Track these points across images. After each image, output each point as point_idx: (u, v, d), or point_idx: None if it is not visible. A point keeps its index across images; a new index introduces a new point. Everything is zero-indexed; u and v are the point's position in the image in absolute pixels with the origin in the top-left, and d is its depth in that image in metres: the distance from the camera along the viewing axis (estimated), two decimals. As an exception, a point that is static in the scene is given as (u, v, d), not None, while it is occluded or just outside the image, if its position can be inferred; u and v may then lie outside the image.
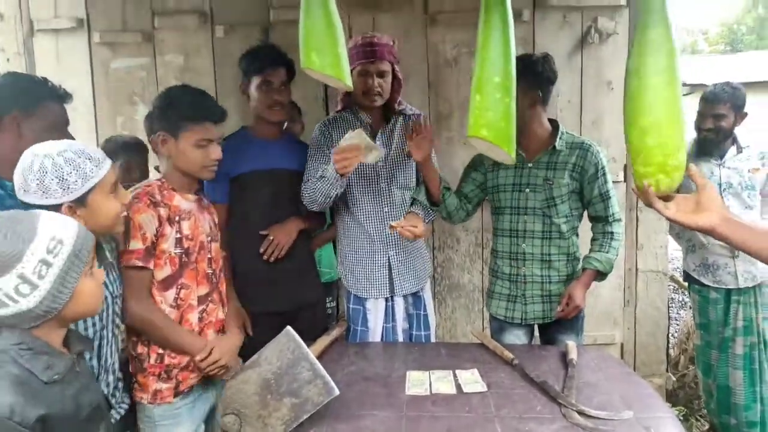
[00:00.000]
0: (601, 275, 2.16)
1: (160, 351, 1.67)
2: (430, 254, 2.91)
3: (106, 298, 1.45)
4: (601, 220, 2.18)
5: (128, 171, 2.38)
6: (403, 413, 1.63)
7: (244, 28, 2.93)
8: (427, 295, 2.34)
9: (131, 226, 1.60)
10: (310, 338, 2.01)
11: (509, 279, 2.24)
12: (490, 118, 1.60)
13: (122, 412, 1.56)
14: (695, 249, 2.68)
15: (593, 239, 2.21)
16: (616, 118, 2.85)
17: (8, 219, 1.07)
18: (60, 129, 1.63)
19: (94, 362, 1.46)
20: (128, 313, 1.60)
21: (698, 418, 3.14)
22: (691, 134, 2.73)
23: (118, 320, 1.55)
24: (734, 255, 2.55)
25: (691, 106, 2.74)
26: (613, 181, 2.15)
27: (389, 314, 2.24)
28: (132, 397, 1.67)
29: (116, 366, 1.55)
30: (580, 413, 1.58)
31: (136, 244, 1.60)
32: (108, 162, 1.40)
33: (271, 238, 2.15)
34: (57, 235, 1.08)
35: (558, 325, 2.22)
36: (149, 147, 2.26)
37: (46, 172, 1.28)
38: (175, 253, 1.67)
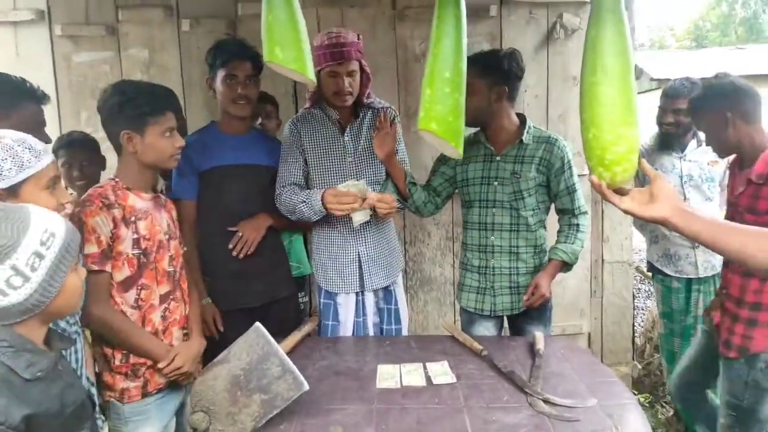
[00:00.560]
0: (566, 266, 2.21)
1: (126, 351, 1.66)
2: (401, 248, 2.93)
3: None
4: (567, 213, 2.23)
5: (68, 169, 2.36)
6: (374, 406, 1.64)
7: (211, 21, 2.89)
8: (399, 290, 2.35)
9: (84, 230, 1.57)
10: (282, 333, 2.01)
11: (478, 271, 2.27)
12: (439, 112, 1.62)
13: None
14: (658, 240, 2.75)
15: (559, 231, 2.25)
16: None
17: (8, 208, 1.05)
18: (36, 129, 1.61)
19: (73, 363, 1.44)
20: (88, 317, 1.58)
21: (663, 404, 3.23)
22: (652, 128, 2.80)
23: (67, 325, 1.51)
24: (694, 245, 2.62)
25: (655, 101, 2.82)
26: (579, 175, 2.19)
27: (360, 309, 2.25)
28: (101, 396, 1.65)
29: (86, 375, 1.53)
30: (546, 401, 1.62)
31: (91, 248, 1.58)
32: (49, 156, 1.36)
33: (240, 234, 2.14)
34: (50, 227, 1.06)
35: (526, 317, 2.26)
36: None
37: None
38: (132, 254, 1.65)
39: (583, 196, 2.23)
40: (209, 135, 2.20)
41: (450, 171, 2.30)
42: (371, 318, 2.27)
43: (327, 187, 2.17)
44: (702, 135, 2.70)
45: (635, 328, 3.47)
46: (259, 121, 2.59)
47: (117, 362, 1.65)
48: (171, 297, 1.76)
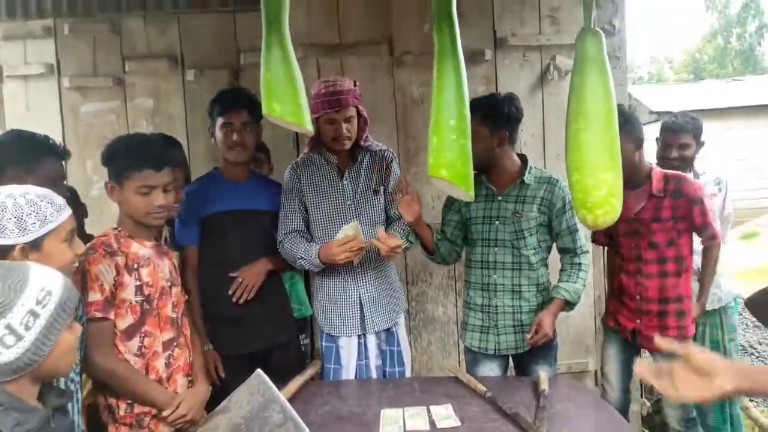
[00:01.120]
0: (569, 305, 2.22)
1: (129, 401, 1.65)
2: (403, 288, 2.94)
3: None
4: (569, 252, 2.25)
5: None
6: (377, 452, 1.63)
7: (214, 71, 2.98)
8: (401, 331, 2.35)
9: (88, 278, 1.59)
10: (284, 378, 2.00)
11: (481, 310, 2.28)
12: (447, 159, 1.67)
13: None
14: None
15: (561, 270, 2.27)
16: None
17: (9, 265, 1.07)
18: (57, 184, 1.67)
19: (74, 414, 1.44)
20: (92, 366, 1.58)
21: (675, 442, 3.16)
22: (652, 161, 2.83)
23: (73, 374, 1.51)
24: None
25: (655, 133, 2.86)
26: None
27: (362, 351, 2.25)
28: None
29: (77, 424, 1.50)
30: (551, 444, 1.61)
31: (95, 296, 1.59)
32: (68, 210, 1.39)
33: (240, 280, 2.16)
34: (47, 285, 1.07)
35: (531, 355, 2.25)
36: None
37: (6, 211, 1.26)
38: (136, 301, 1.67)
39: (583, 236, 2.25)
40: (211, 181, 2.25)
41: (457, 216, 2.34)
42: (374, 360, 2.26)
43: (326, 229, 2.21)
44: (698, 168, 2.73)
45: (643, 364, 3.41)
46: (251, 167, 2.64)
47: (121, 412, 1.65)
48: (174, 344, 1.76)
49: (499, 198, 2.24)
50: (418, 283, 3.11)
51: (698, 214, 2.31)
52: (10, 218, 1.27)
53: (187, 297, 1.93)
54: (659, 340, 1.17)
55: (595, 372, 3.21)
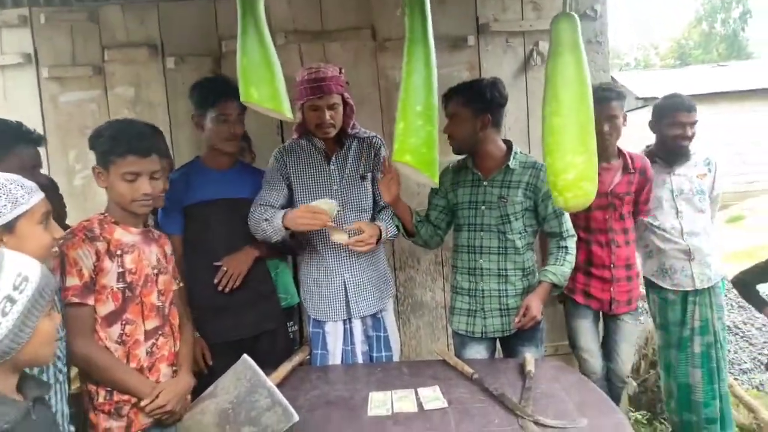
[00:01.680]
0: (556, 288, 2.23)
1: (109, 388, 1.64)
2: (392, 274, 2.94)
3: None
4: (555, 236, 2.27)
5: None
6: (365, 435, 1.64)
7: (195, 59, 2.94)
8: (388, 316, 2.35)
9: (66, 262, 1.57)
10: (272, 365, 2.01)
11: (468, 294, 2.29)
12: (412, 144, 1.68)
13: None
14: (652, 255, 2.77)
15: (549, 253, 2.29)
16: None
17: None
18: (32, 171, 1.64)
19: (59, 403, 1.42)
20: (71, 353, 1.57)
21: (661, 421, 3.21)
22: (638, 145, 2.85)
23: (60, 364, 1.50)
24: (690, 258, 2.67)
25: (644, 119, 2.87)
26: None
27: (347, 337, 2.26)
28: None
29: (65, 414, 1.49)
30: (537, 423, 1.62)
31: (72, 281, 1.57)
32: (40, 193, 1.38)
33: (225, 268, 2.15)
34: (23, 271, 1.05)
35: (518, 338, 2.26)
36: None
37: None
38: (117, 288, 1.65)
39: (570, 219, 2.26)
40: (193, 170, 2.23)
41: (443, 201, 2.35)
42: (359, 346, 2.27)
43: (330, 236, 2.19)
44: (691, 149, 2.75)
45: (630, 345, 3.45)
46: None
47: (100, 399, 1.62)
48: (159, 332, 1.73)
49: (485, 183, 2.25)
50: (405, 269, 3.11)
51: (648, 190, 2.64)
52: None
53: (179, 286, 1.90)
54: None
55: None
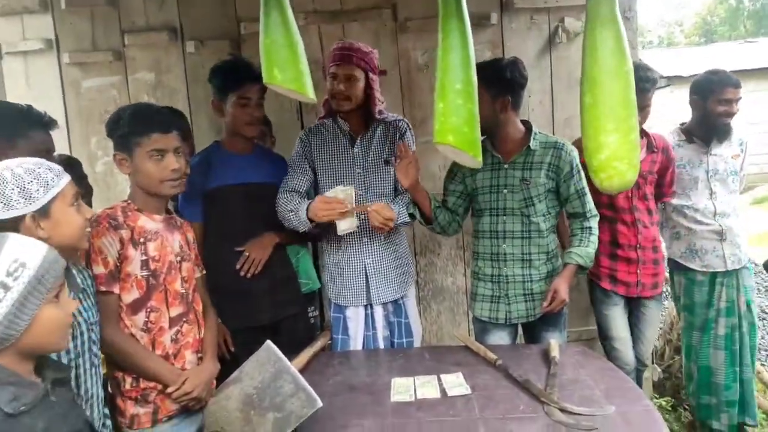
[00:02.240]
0: (581, 269, 2.20)
1: (135, 375, 1.65)
2: (412, 260, 2.92)
3: (79, 324, 1.42)
4: (578, 217, 2.22)
5: None
6: (389, 421, 1.64)
7: (215, 42, 2.92)
8: (410, 302, 2.34)
9: (91, 251, 1.57)
10: (293, 350, 2.01)
11: (491, 280, 2.26)
12: (454, 124, 1.63)
13: None
14: (680, 236, 2.72)
15: (572, 235, 2.25)
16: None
17: None
18: (45, 156, 1.63)
19: (92, 387, 1.43)
20: (100, 340, 1.57)
21: (686, 408, 3.17)
22: (666, 125, 2.78)
23: (95, 348, 1.51)
24: (722, 238, 2.62)
25: (668, 99, 2.80)
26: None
27: (369, 322, 2.25)
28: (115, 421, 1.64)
29: (100, 397, 1.50)
30: (562, 410, 1.60)
31: (98, 269, 1.58)
32: (67, 175, 1.37)
33: (247, 254, 2.15)
34: (20, 257, 1.04)
35: (542, 323, 2.24)
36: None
37: (6, 183, 1.24)
38: (141, 276, 1.64)
39: (591, 199, 2.21)
40: (213, 155, 2.21)
41: (460, 186, 2.30)
42: (381, 332, 2.26)
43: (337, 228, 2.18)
44: (733, 128, 2.67)
45: (654, 330, 3.41)
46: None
47: (127, 386, 1.64)
48: (184, 319, 1.73)
49: (506, 166, 2.20)
50: (426, 254, 3.09)
51: (672, 171, 2.61)
52: (13, 189, 1.24)
53: (201, 273, 1.89)
54: None
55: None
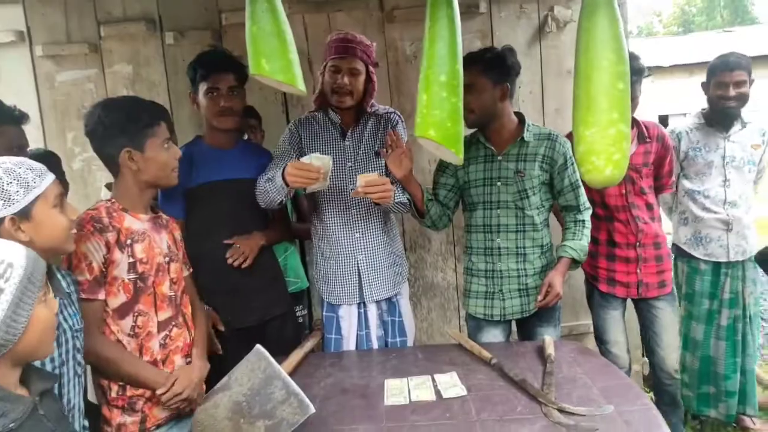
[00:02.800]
0: (575, 263, 2.17)
1: (122, 383, 1.58)
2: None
3: (65, 331, 1.35)
4: (572, 210, 2.19)
5: None
6: (383, 425, 1.58)
7: (195, 33, 2.83)
8: (404, 301, 2.29)
9: (73, 257, 1.49)
10: (281, 351, 1.94)
11: (485, 275, 2.22)
12: (436, 117, 1.58)
13: None
14: (688, 222, 2.70)
15: (566, 228, 2.22)
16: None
17: None
18: (18, 152, 1.55)
19: (74, 397, 1.36)
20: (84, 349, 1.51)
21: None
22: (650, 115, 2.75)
23: (79, 356, 1.43)
24: (728, 229, 2.60)
25: (650, 88, 2.77)
26: (581, 170, 2.14)
27: (362, 321, 2.20)
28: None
29: (81, 409, 1.43)
30: (561, 410, 1.56)
31: (81, 276, 1.50)
32: (50, 174, 1.31)
33: (237, 245, 2.07)
34: (6, 257, 0.97)
35: (536, 318, 2.21)
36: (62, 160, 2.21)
37: None
38: (128, 279, 1.57)
39: (585, 192, 2.18)
40: (195, 150, 2.13)
41: (451, 179, 2.24)
42: (375, 331, 2.20)
43: (324, 194, 2.12)
44: (744, 117, 2.66)
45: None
46: (246, 136, 2.52)
47: (113, 394, 1.57)
48: (172, 323, 1.66)
49: (499, 158, 2.15)
50: (416, 250, 3.05)
51: (670, 161, 2.48)
52: None
53: (189, 272, 1.83)
54: None
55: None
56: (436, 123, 1.58)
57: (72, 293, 1.43)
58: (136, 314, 1.59)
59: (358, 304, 2.19)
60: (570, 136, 2.08)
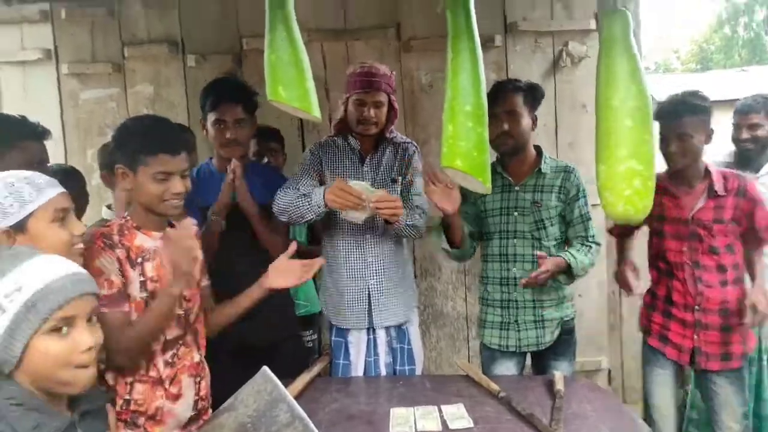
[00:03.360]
0: (569, 275, 2.10)
1: (126, 396, 1.56)
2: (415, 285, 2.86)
3: None
4: (580, 239, 2.18)
5: None
6: (388, 455, 1.56)
7: (216, 57, 2.90)
8: (413, 329, 2.28)
9: (91, 273, 1.49)
10: (288, 373, 1.93)
11: (501, 305, 2.20)
12: (462, 148, 1.60)
13: None
14: None
15: (572, 245, 2.17)
16: (593, 140, 2.86)
17: (5, 252, 1.02)
18: (39, 167, 1.58)
19: None
20: (117, 359, 1.49)
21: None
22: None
23: None
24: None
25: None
26: (592, 204, 2.14)
27: (371, 348, 2.18)
28: None
29: None
30: (570, 448, 1.53)
31: (102, 290, 1.47)
32: (54, 189, 1.32)
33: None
34: (21, 280, 0.98)
35: (551, 352, 2.19)
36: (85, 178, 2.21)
37: None
38: (141, 298, 1.56)
39: (594, 227, 2.18)
40: (202, 173, 2.18)
41: (472, 208, 2.24)
42: (383, 357, 2.19)
43: (339, 219, 2.12)
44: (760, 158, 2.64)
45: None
46: (266, 160, 2.55)
47: (117, 408, 1.55)
48: (180, 342, 1.65)
49: (517, 188, 2.17)
50: (427, 278, 3.04)
51: (762, 216, 2.08)
52: None
53: (208, 281, 1.80)
54: None
55: (609, 371, 3.15)
56: (463, 153, 1.60)
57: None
58: None
59: (367, 329, 2.18)
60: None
